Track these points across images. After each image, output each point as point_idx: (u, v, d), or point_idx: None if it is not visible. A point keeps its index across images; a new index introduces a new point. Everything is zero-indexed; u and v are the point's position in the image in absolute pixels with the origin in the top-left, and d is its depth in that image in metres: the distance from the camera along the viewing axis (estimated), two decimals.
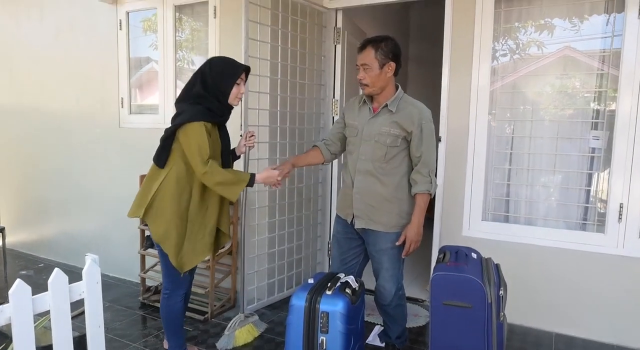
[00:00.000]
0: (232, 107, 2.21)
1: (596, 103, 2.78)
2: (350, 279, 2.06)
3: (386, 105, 2.16)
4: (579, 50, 2.81)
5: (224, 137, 2.24)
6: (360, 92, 2.28)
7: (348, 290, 1.98)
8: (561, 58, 2.86)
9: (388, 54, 2.12)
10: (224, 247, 3.09)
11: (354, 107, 2.33)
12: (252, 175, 2.15)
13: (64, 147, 4.10)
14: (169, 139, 2.12)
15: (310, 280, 2.08)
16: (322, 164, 2.57)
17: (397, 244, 2.13)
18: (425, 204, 2.14)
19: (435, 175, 2.20)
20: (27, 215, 4.49)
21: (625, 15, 2.56)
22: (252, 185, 2.16)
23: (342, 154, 2.47)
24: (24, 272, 3.97)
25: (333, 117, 3.47)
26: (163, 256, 2.19)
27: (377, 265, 2.23)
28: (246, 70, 2.22)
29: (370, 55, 2.11)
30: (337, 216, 2.39)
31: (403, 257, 2.16)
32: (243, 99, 2.70)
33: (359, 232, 2.28)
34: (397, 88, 2.22)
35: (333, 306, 1.90)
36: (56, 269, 1.82)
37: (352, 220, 2.27)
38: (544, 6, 2.83)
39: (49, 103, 4.15)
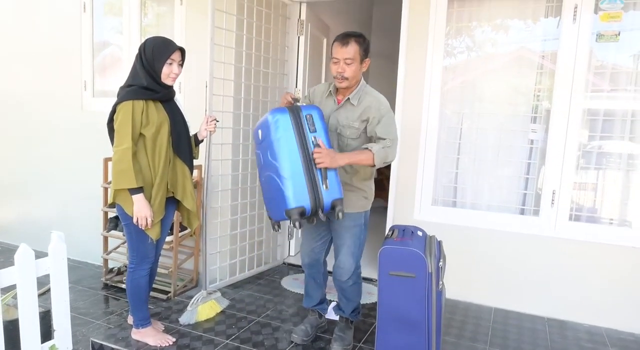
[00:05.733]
0: (169, 85, 2.29)
1: (535, 100, 3.04)
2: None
3: (348, 99, 2.26)
4: (523, 51, 3.07)
5: (173, 112, 2.32)
6: (324, 82, 2.34)
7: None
8: (508, 58, 3.10)
9: (367, 50, 2.23)
10: (187, 229, 3.20)
11: (320, 95, 2.39)
12: (139, 189, 2.18)
13: (24, 129, 4.07)
14: (110, 123, 2.26)
15: None
16: None
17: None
18: (361, 159, 2.16)
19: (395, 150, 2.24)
20: None
21: (561, 19, 2.83)
22: (132, 193, 2.18)
23: None
24: None
25: None
26: (128, 230, 2.28)
27: (340, 241, 2.37)
28: (181, 50, 2.29)
29: (355, 50, 2.16)
30: None
31: (318, 167, 2.08)
32: (208, 85, 2.81)
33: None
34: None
35: (312, 110, 2.15)
36: (22, 244, 1.89)
37: None
38: (492, 8, 3.06)
39: (8, 83, 4.10)
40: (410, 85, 3.19)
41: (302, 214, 2.03)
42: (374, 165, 2.19)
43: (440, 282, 2.01)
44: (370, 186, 2.41)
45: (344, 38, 2.17)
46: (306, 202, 2.03)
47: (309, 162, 2.06)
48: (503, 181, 3.15)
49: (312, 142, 2.08)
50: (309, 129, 2.09)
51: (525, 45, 3.04)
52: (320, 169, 2.06)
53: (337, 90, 2.32)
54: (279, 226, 2.26)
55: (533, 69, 3.03)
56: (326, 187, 2.06)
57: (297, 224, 2.01)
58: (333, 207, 2.09)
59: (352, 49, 2.15)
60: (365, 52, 2.21)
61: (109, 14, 3.73)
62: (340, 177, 2.21)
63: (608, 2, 2.73)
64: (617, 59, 2.84)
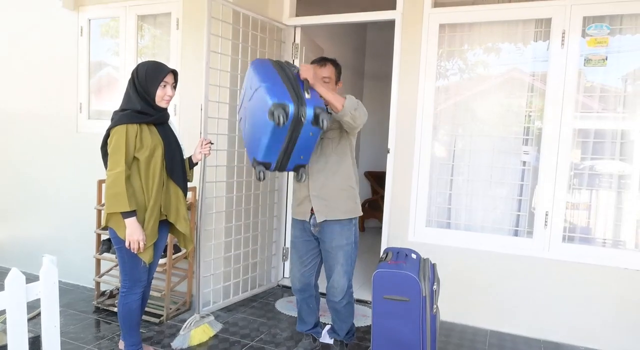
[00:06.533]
0: (163, 108, 2.32)
1: (527, 121, 3.08)
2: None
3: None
4: (515, 72, 3.12)
5: (167, 136, 2.34)
6: None
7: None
8: (499, 79, 3.15)
9: (340, 73, 2.46)
10: (181, 251, 3.18)
11: None
12: (131, 213, 2.18)
13: (18, 150, 4.06)
14: (104, 147, 2.28)
15: None
16: None
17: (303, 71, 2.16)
18: (334, 95, 2.16)
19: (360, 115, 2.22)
20: None
21: (549, 44, 2.89)
22: (124, 216, 2.18)
23: None
24: None
25: None
26: (121, 253, 2.27)
27: (333, 261, 2.38)
28: (173, 73, 2.32)
29: (331, 70, 2.41)
30: (294, 221, 2.52)
31: (302, 78, 2.12)
32: (203, 108, 2.83)
33: (315, 233, 2.42)
34: None
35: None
36: (13, 269, 1.87)
37: (310, 218, 2.40)
38: (482, 34, 3.13)
39: (3, 104, 4.11)
40: (404, 106, 3.23)
41: (286, 111, 1.93)
42: (341, 110, 2.13)
43: (435, 306, 2.01)
44: (356, 188, 2.44)
45: (321, 60, 2.44)
46: (288, 99, 1.95)
47: (291, 80, 2.08)
48: (496, 202, 3.16)
49: (296, 73, 2.15)
50: (291, 70, 2.19)
51: (517, 66, 3.10)
52: (302, 81, 2.08)
53: None
54: (264, 174, 2.19)
55: (524, 90, 3.07)
56: (308, 94, 2.03)
57: (280, 119, 1.90)
58: (316, 117, 1.99)
59: (329, 70, 2.40)
60: (338, 75, 2.46)
61: (106, 36, 3.77)
62: (327, 181, 2.34)
63: (595, 27, 2.80)
64: (606, 81, 2.89)
